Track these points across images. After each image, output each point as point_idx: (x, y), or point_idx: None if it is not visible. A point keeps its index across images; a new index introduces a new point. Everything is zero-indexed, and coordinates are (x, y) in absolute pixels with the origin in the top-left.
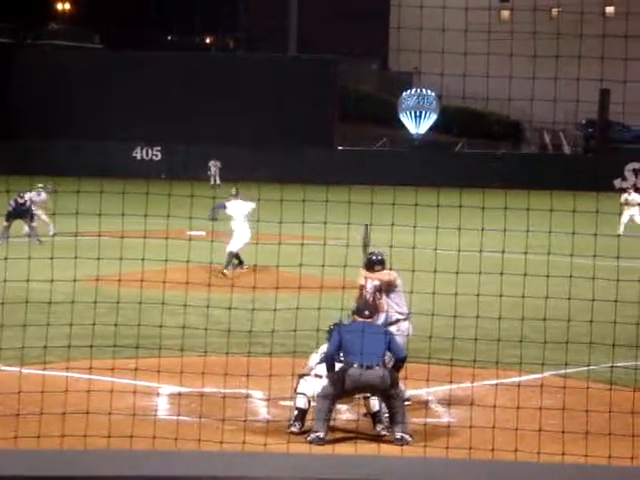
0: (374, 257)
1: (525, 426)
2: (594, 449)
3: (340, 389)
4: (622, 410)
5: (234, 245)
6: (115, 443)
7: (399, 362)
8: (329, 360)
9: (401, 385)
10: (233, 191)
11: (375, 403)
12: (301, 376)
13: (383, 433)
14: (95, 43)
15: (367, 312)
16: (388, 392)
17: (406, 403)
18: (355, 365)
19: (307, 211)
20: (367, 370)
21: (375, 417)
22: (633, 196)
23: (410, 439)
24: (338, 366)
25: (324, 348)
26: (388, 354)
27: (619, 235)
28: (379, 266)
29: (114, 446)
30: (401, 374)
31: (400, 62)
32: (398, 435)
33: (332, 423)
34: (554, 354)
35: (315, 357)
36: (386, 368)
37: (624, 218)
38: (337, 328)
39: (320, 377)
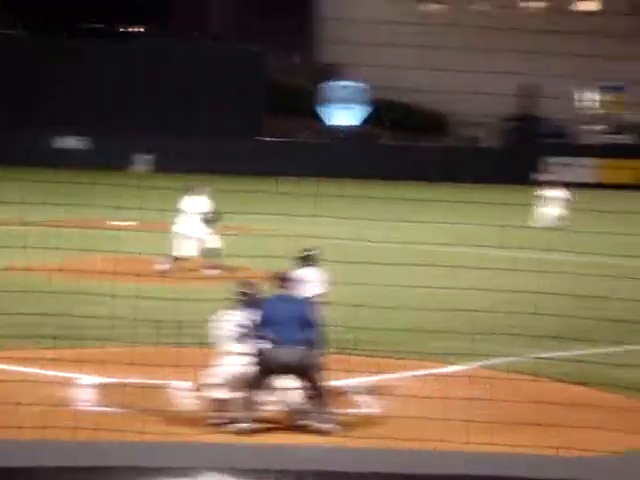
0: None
1: (452, 416)
2: (521, 439)
3: (262, 371)
4: (546, 401)
5: (194, 244)
6: (31, 434)
7: (318, 341)
8: (247, 337)
9: (326, 375)
10: (191, 187)
11: (295, 394)
12: (215, 364)
13: (305, 423)
14: (17, 29)
15: (285, 283)
16: (308, 374)
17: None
18: (274, 342)
19: (237, 202)
20: (286, 348)
21: (296, 408)
22: (553, 190)
23: (334, 429)
24: (256, 344)
25: (231, 318)
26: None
27: (538, 227)
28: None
29: (30, 437)
30: (327, 364)
31: (328, 54)
32: (321, 425)
33: (256, 414)
34: (481, 346)
35: (221, 331)
36: (308, 346)
37: (544, 210)
38: (252, 298)
39: (237, 357)
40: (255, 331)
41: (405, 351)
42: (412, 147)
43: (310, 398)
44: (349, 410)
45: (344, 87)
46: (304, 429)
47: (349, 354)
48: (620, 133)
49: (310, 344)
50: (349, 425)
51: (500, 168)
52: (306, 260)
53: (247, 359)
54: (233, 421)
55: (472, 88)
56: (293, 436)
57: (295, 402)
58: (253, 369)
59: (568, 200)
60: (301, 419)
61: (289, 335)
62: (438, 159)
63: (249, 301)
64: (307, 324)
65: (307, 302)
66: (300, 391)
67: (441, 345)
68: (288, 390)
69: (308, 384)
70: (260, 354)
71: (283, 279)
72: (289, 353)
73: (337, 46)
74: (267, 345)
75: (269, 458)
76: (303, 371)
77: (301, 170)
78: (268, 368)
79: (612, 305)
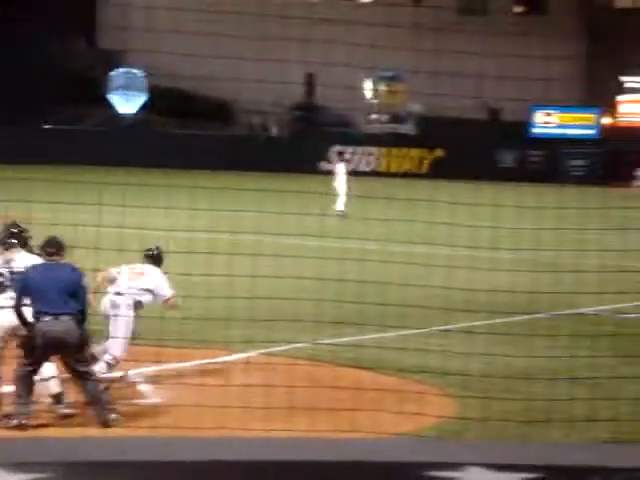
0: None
1: (232, 404)
2: (299, 424)
3: (36, 351)
4: (325, 385)
5: None
6: None
7: (84, 312)
8: (17, 310)
9: (102, 363)
10: None
11: (52, 384)
12: None
13: (67, 412)
14: None
15: (52, 249)
16: (76, 352)
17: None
18: (44, 316)
19: (18, 191)
20: (55, 320)
21: (58, 397)
22: (339, 179)
23: (113, 418)
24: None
25: None
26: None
27: (328, 215)
28: None
29: None
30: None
31: (109, 40)
32: (100, 416)
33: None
34: (261, 333)
35: None
36: (75, 319)
37: (333, 198)
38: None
39: None
40: (16, 300)
41: (191, 340)
42: (195, 135)
43: (81, 385)
44: (132, 400)
45: (126, 74)
46: (98, 421)
47: (132, 344)
48: (401, 122)
49: (78, 317)
50: (132, 415)
51: (286, 157)
52: (150, 258)
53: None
54: (14, 415)
55: (259, 77)
56: (75, 430)
57: (55, 393)
58: (30, 349)
59: (352, 188)
60: (64, 410)
61: (54, 305)
62: (222, 148)
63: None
64: (74, 295)
65: (75, 271)
66: (56, 381)
67: (228, 333)
68: (47, 380)
69: (75, 361)
70: (33, 326)
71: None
72: (54, 325)
73: (123, 32)
74: (29, 316)
75: (51, 451)
76: (69, 346)
77: (84, 158)
78: (42, 345)
79: (394, 291)
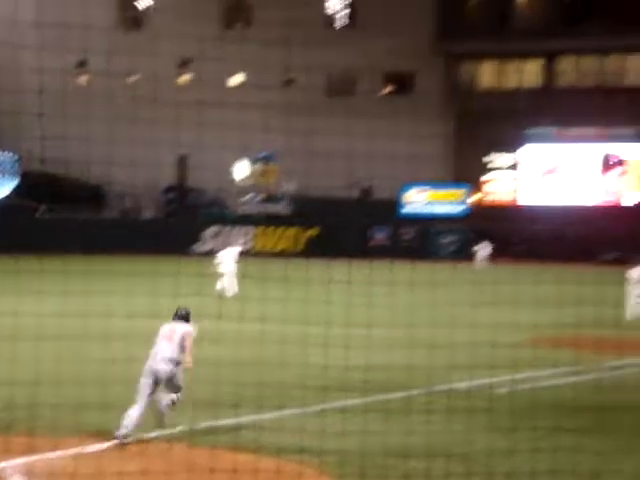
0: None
1: None
2: None
3: None
4: (203, 469)
5: None
6: None
7: None
8: None
9: None
10: None
11: None
12: None
13: None
14: None
15: None
16: None
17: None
18: None
19: None
20: None
21: None
22: (224, 260)
23: None
24: None
25: None
26: None
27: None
28: None
29: None
30: None
31: None
32: None
33: None
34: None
35: None
36: None
37: (217, 280)
38: None
39: None
40: None
41: (62, 427)
42: (68, 220)
43: None
44: None
45: None
46: None
47: (4, 433)
48: (275, 202)
49: None
50: None
51: (159, 239)
52: None
53: None
54: None
55: (130, 158)
56: None
57: None
58: None
59: (231, 269)
60: None
61: None
62: (95, 231)
63: None
64: None
65: None
66: None
67: (97, 420)
68: None
69: None
70: None
71: None
72: None
73: None
74: None
75: None
76: None
77: None
78: None
79: (274, 371)
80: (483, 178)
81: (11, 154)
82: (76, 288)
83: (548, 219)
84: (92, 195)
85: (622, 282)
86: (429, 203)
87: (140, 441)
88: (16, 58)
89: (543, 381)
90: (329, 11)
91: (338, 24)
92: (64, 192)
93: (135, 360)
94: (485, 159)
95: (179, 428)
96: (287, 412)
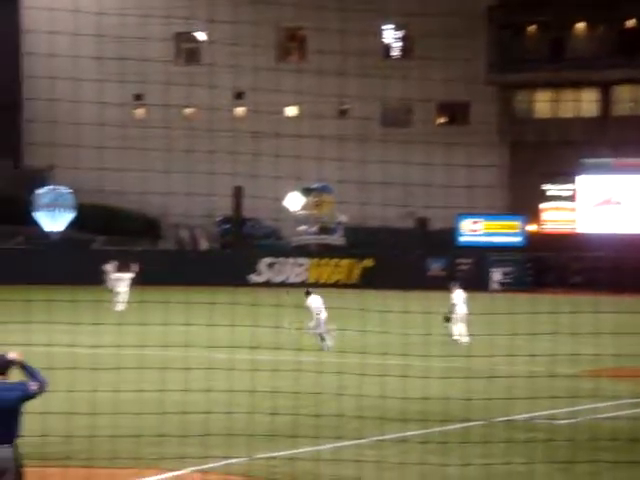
0: None
1: None
2: None
3: None
4: None
5: None
6: None
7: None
8: None
9: None
10: None
11: None
12: None
13: None
14: None
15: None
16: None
17: None
18: None
19: None
20: None
21: None
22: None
23: None
24: None
25: None
26: None
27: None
28: None
29: None
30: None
31: (35, 158)
32: None
33: None
34: (194, 449)
35: None
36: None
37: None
38: None
39: None
40: None
41: (118, 458)
42: (125, 252)
43: None
44: None
45: (51, 192)
46: None
47: (64, 466)
48: (330, 233)
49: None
50: None
51: (217, 270)
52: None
53: None
54: None
55: (186, 190)
56: None
57: None
58: None
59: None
60: None
61: None
62: (153, 262)
63: None
64: (13, 417)
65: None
66: None
67: (155, 451)
68: None
69: None
70: None
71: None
72: None
73: (45, 149)
74: None
75: None
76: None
77: (10, 278)
78: None
79: (328, 402)
80: (541, 206)
81: (67, 189)
82: (132, 319)
83: (608, 248)
84: (148, 227)
85: None
86: (486, 233)
87: (197, 472)
88: (75, 91)
89: (603, 412)
90: (384, 41)
91: (393, 54)
92: (119, 224)
93: (190, 390)
94: (542, 188)
95: (238, 460)
96: (345, 443)
